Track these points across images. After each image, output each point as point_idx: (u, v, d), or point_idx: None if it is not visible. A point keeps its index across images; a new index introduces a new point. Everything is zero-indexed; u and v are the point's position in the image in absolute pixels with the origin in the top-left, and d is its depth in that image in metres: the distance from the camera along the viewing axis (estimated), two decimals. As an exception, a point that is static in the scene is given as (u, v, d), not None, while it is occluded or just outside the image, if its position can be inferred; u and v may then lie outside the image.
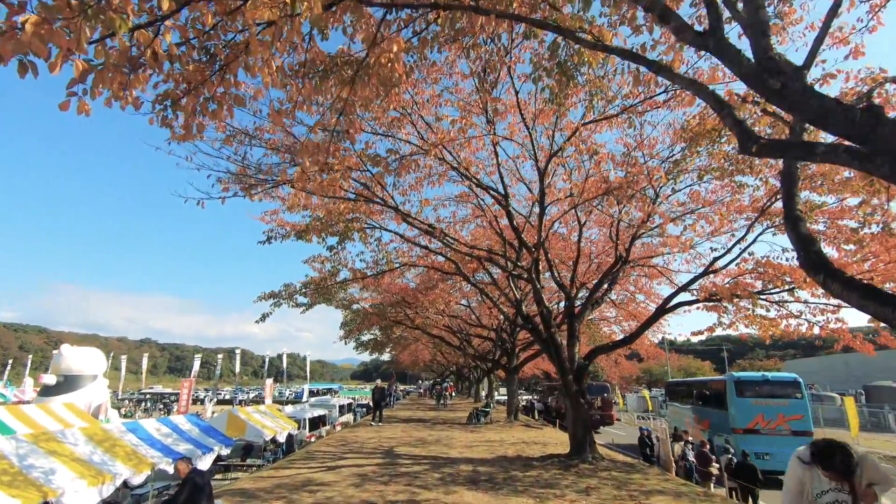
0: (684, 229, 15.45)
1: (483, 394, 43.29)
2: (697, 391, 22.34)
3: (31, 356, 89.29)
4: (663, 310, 12.01)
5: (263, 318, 12.53)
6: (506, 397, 44.32)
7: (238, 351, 76.22)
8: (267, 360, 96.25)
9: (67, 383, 28.60)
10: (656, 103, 8.94)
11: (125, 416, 41.36)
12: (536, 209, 13.32)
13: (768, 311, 11.55)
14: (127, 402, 60.36)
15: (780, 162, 8.86)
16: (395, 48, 5.04)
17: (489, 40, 7.00)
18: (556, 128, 9.43)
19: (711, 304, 10.73)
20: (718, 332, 11.01)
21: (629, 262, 13.15)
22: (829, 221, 10.48)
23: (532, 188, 12.43)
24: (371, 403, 22.58)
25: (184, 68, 4.68)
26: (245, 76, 6.42)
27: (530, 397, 50.38)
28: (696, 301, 11.59)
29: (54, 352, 27.85)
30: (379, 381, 22.46)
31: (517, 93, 9.45)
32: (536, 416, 34.25)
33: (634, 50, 5.54)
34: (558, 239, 17.63)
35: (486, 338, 29.49)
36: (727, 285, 10.81)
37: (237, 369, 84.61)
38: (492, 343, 30.26)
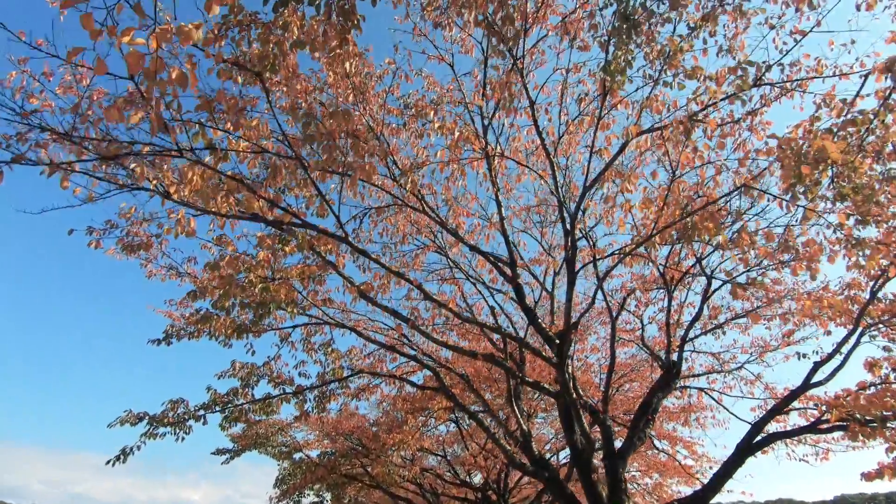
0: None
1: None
2: None
3: None
4: (749, 447, 7.86)
5: (123, 456, 7.69)
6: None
7: (161, 522, 62.84)
8: (195, 534, 79.49)
9: None
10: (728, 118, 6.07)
11: None
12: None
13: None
14: None
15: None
16: None
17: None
18: (593, 148, 6.35)
19: (847, 430, 6.75)
20: None
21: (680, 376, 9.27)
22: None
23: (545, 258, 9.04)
24: None
25: None
26: None
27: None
28: (809, 429, 7.58)
29: None
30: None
31: (532, 103, 6.55)
32: None
33: None
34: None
35: (464, 499, 23.26)
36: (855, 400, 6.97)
37: (156, 547, 69.09)
38: (472, 507, 23.90)
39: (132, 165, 4.45)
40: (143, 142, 4.17)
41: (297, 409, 9.89)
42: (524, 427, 9.24)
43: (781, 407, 7.81)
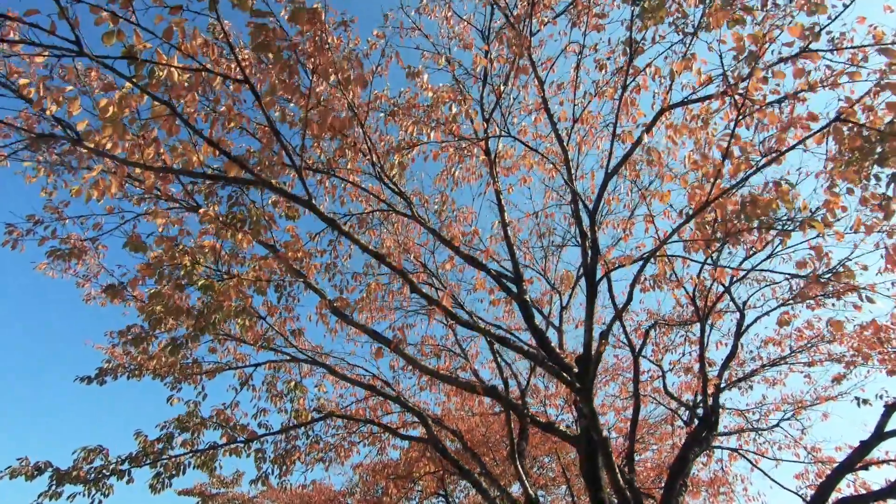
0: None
1: None
2: None
3: None
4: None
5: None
6: None
7: None
8: None
9: None
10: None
11: None
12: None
13: None
14: None
15: None
16: None
17: None
18: (615, 133, 5.37)
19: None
20: None
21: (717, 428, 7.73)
22: None
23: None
24: None
25: None
26: None
27: None
28: (887, 492, 6.02)
29: None
30: None
31: (542, 83, 5.66)
32: None
33: None
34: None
35: None
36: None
37: None
38: None
39: (15, 77, 3.32)
40: (31, 41, 3.06)
41: (255, 465, 8.09)
42: (530, 492, 7.51)
43: (854, 462, 6.27)
